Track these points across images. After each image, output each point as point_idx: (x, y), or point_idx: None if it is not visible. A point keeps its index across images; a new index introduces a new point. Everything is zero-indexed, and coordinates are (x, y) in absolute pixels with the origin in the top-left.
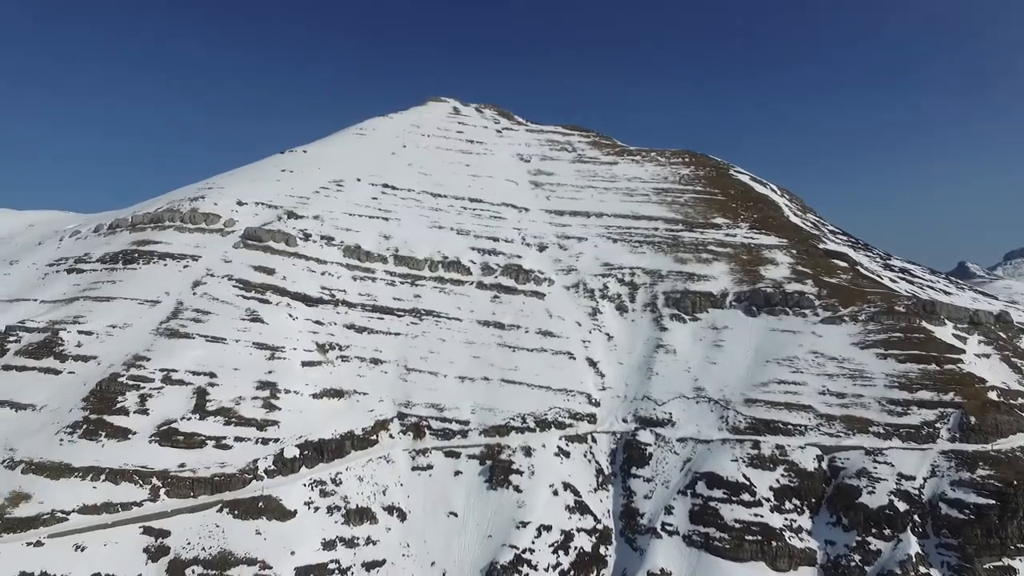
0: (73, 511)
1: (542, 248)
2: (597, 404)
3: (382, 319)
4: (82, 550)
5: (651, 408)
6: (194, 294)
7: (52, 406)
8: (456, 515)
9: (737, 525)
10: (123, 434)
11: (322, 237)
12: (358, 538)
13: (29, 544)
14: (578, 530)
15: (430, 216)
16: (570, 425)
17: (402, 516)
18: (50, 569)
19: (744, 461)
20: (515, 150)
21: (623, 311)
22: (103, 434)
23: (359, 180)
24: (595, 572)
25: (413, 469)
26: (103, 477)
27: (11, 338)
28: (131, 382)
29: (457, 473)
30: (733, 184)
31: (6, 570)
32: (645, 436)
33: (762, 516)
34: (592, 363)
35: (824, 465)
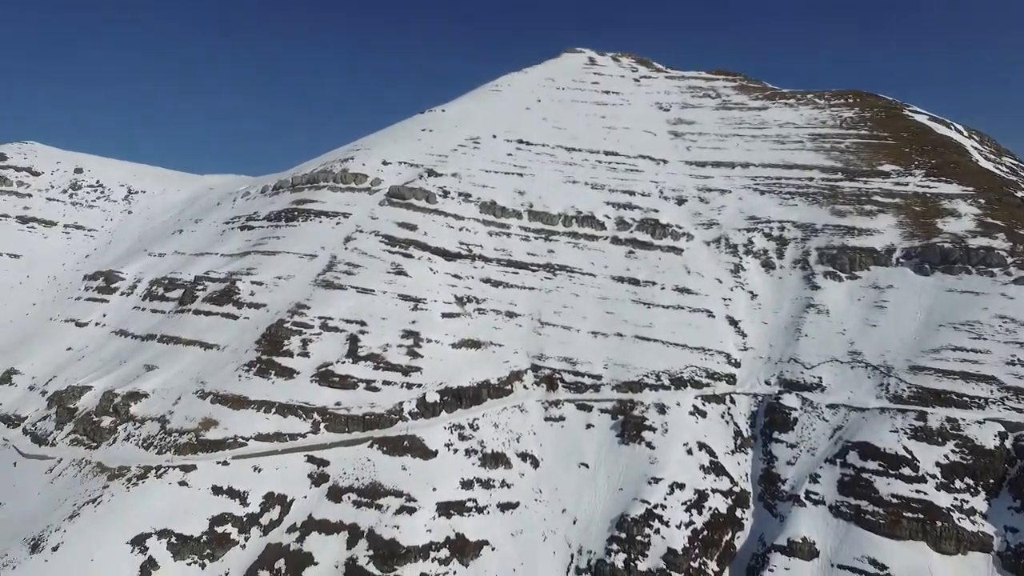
0: (251, 438)
1: (681, 202)
2: (737, 364)
3: (516, 274)
4: (259, 471)
5: (798, 371)
6: (346, 249)
7: (232, 347)
8: (587, 467)
9: (894, 500)
10: (289, 373)
11: (460, 194)
12: (493, 481)
13: (218, 463)
14: (713, 491)
15: (564, 171)
16: (707, 385)
17: (535, 463)
18: (235, 485)
19: (906, 433)
20: (653, 99)
21: (769, 268)
22: (273, 373)
23: (494, 137)
24: (730, 534)
25: (546, 420)
26: (273, 410)
27: (199, 287)
28: (294, 328)
29: (589, 426)
30: (907, 126)
31: (202, 482)
32: (790, 400)
33: (925, 493)
34: (733, 322)
35: (1008, 444)
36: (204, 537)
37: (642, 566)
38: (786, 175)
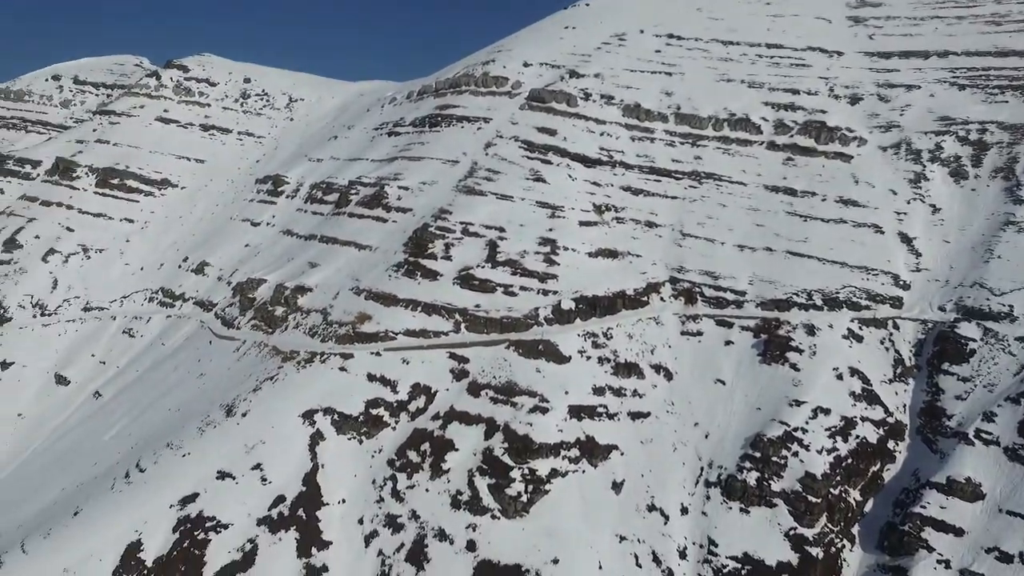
0: (400, 333)
1: (854, 100)
2: (906, 287)
3: (659, 181)
4: (407, 363)
5: (983, 298)
6: (486, 154)
7: (382, 248)
8: (723, 383)
9: None
10: (433, 275)
11: (602, 96)
12: (625, 389)
13: (372, 353)
14: (862, 419)
15: (718, 68)
16: (866, 307)
17: (668, 376)
18: (386, 374)
19: None
20: None
21: (960, 178)
22: (418, 274)
23: (642, 32)
24: (878, 465)
25: (682, 334)
26: (419, 309)
27: (352, 191)
28: (437, 232)
29: (728, 343)
30: None
31: (359, 369)
32: (968, 329)
33: None
34: (906, 239)
35: None
36: (361, 417)
37: (776, 486)
38: (997, 65)
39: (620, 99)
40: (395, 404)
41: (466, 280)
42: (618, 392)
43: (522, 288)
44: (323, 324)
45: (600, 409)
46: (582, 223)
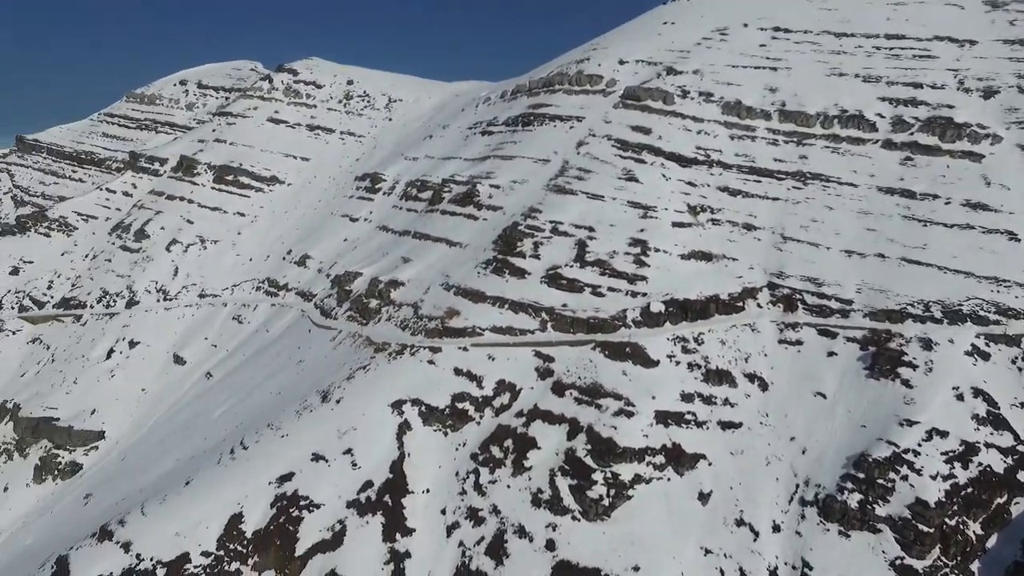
0: (487, 329)
1: (989, 94)
2: None
3: (759, 182)
4: (492, 360)
5: None
6: (577, 153)
7: (473, 245)
8: (824, 397)
9: None
10: (520, 273)
11: (700, 93)
12: (715, 397)
13: (459, 348)
14: (986, 445)
15: (829, 62)
16: (995, 322)
17: (763, 386)
18: (473, 369)
19: None
20: None
21: None
22: (506, 272)
23: (745, 25)
24: (1005, 497)
25: (780, 342)
26: (506, 306)
27: (446, 188)
28: (527, 230)
29: (831, 354)
30: None
31: (446, 363)
32: None
33: None
34: None
35: None
36: (447, 410)
37: (881, 511)
38: None
39: (720, 96)
40: (480, 399)
41: (554, 279)
42: (708, 400)
43: (610, 289)
44: (414, 318)
45: (688, 416)
46: (675, 224)
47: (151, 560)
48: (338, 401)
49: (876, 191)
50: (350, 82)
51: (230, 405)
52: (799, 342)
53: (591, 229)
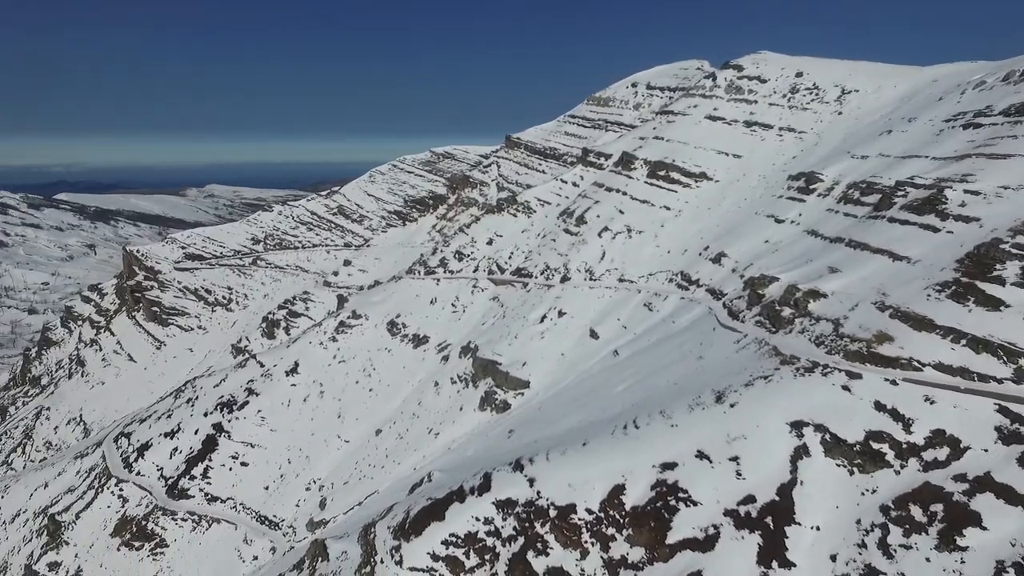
0: (928, 364)
1: None
2: None
3: None
4: (931, 403)
5: None
6: None
7: (925, 262)
8: None
9: None
10: (993, 304)
11: None
12: None
13: (885, 380)
14: None
15: None
16: None
17: None
18: (900, 408)
19: None
20: None
21: None
22: (971, 299)
23: None
24: None
25: None
26: (963, 341)
27: (899, 192)
28: (1014, 250)
29: None
30: None
31: (865, 393)
32: None
33: None
34: None
35: None
36: (857, 446)
37: None
38: None
39: None
40: (904, 445)
41: None
42: None
43: None
44: (832, 335)
45: None
46: None
47: (547, 500)
48: (732, 405)
49: None
50: (799, 74)
51: (629, 384)
52: None
53: None
